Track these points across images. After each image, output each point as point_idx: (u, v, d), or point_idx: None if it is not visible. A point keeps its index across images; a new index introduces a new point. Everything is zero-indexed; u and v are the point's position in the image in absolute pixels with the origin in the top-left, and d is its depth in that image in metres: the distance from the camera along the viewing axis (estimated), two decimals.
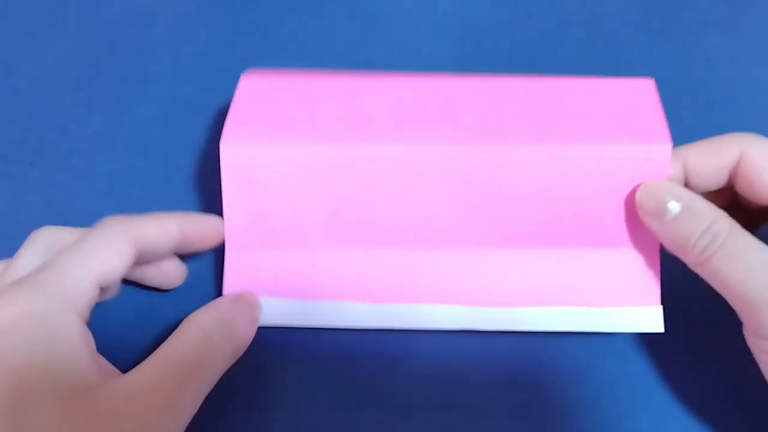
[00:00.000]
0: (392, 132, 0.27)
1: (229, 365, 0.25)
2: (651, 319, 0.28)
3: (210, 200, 0.32)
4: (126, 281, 0.29)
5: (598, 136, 0.27)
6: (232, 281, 0.28)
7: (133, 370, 0.23)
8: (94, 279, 0.24)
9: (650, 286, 0.28)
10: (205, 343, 0.24)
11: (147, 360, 0.23)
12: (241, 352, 0.26)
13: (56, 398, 0.21)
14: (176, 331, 0.24)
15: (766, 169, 0.26)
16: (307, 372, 0.28)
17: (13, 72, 0.36)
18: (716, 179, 0.27)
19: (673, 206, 0.25)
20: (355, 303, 0.28)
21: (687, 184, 0.28)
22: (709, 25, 0.39)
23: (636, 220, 0.27)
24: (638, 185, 0.27)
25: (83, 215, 0.32)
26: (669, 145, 0.27)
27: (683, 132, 0.28)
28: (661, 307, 0.28)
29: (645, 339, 0.29)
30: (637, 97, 0.29)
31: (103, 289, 0.25)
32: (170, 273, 0.29)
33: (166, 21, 0.39)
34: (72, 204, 0.32)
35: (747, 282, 0.24)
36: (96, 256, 0.24)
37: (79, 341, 0.22)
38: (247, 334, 0.26)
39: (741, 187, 0.27)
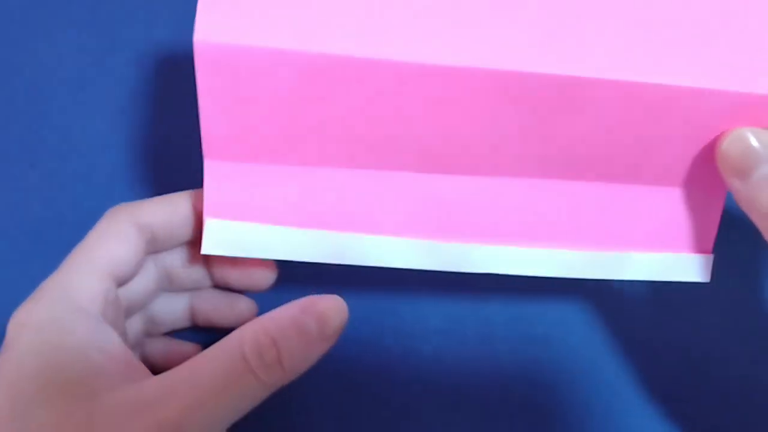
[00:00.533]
0: (420, 41, 0.22)
1: (260, 399, 0.21)
2: (698, 267, 0.26)
3: None
4: (215, 285, 0.28)
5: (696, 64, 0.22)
6: (213, 199, 0.24)
7: (154, 377, 0.21)
8: (101, 273, 0.23)
9: (705, 232, 0.25)
10: (238, 366, 0.21)
11: (175, 369, 0.21)
12: (279, 386, 0.22)
13: (51, 407, 0.20)
14: (223, 339, 0.21)
15: None
16: (307, 372, 0.28)
17: (13, 72, 0.36)
18: None
19: (764, 163, 0.21)
20: (358, 234, 0.24)
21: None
22: None
23: (708, 163, 0.24)
24: (724, 131, 0.23)
25: (83, 215, 0.32)
26: None
27: None
28: (711, 257, 0.26)
29: (645, 339, 0.29)
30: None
31: (119, 280, 0.24)
32: (254, 273, 0.27)
33: (167, 21, 0.39)
34: (72, 204, 0.32)
35: None
36: (100, 248, 0.23)
37: (86, 342, 0.21)
38: (294, 369, 0.21)
39: None
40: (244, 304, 0.28)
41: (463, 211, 0.25)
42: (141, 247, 0.24)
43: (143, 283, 0.26)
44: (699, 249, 0.26)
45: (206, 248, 0.24)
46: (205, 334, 0.29)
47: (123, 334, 0.24)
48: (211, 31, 0.21)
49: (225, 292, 0.28)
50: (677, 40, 0.23)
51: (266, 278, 0.27)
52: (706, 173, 0.24)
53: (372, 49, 0.22)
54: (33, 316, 0.21)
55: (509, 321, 0.29)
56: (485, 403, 0.27)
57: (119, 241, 0.23)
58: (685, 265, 0.25)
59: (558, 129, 0.23)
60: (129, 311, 0.26)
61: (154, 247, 0.25)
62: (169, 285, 0.27)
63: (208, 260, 0.27)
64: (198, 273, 0.27)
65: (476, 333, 0.28)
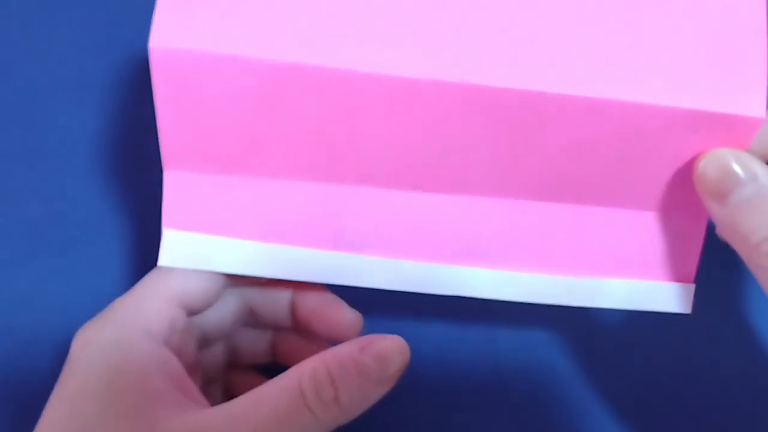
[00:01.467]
0: (384, 51, 0.21)
1: None
2: (678, 297, 0.24)
3: None
4: (297, 328, 0.27)
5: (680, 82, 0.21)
6: (173, 211, 0.23)
7: (213, 408, 0.21)
8: (171, 300, 0.23)
9: (686, 259, 0.24)
10: (295, 402, 0.20)
11: (234, 400, 0.21)
12: (336, 425, 0.21)
13: (110, 430, 0.20)
14: (283, 374, 0.21)
15: None
16: None
17: (13, 72, 0.36)
18: None
19: (743, 185, 0.20)
20: (320, 251, 0.23)
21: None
22: None
23: (687, 186, 0.23)
24: (702, 151, 0.22)
25: (83, 215, 0.32)
26: (763, 109, 0.21)
27: None
28: (692, 286, 0.24)
29: (645, 341, 0.29)
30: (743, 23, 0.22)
31: (190, 308, 0.24)
32: (338, 323, 0.25)
33: None
34: (72, 204, 0.32)
35: None
36: (174, 275, 0.23)
37: (147, 367, 0.21)
38: (352, 409, 0.21)
39: None
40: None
41: (431, 229, 0.24)
42: (217, 278, 0.24)
43: (222, 314, 0.26)
44: (680, 277, 0.24)
45: (163, 260, 0.23)
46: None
47: (191, 363, 0.24)
48: (168, 37, 0.21)
49: (307, 338, 0.27)
50: (653, 57, 0.22)
51: (351, 328, 0.26)
52: (685, 197, 0.23)
53: (333, 59, 0.21)
54: (99, 336, 0.22)
55: (511, 322, 0.29)
56: (485, 403, 0.27)
57: (192, 273, 0.23)
58: (665, 295, 0.24)
59: (528, 147, 0.22)
60: (207, 340, 0.26)
61: (234, 279, 0.25)
62: (251, 320, 0.27)
63: (294, 303, 0.26)
64: (281, 312, 0.26)
65: (477, 333, 0.28)
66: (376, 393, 0.21)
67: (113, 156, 0.34)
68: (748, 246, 0.20)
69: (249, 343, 0.27)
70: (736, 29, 0.22)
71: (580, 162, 0.23)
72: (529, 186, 0.23)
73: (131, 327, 0.22)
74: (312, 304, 0.26)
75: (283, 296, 0.26)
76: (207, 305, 0.25)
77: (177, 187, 0.23)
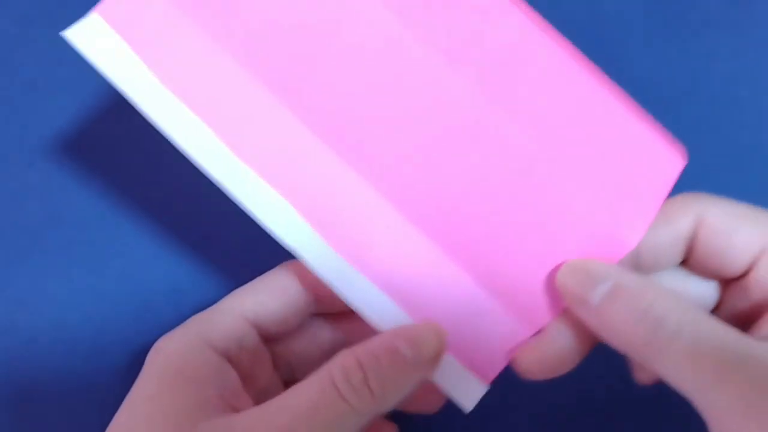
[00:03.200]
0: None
1: (356, 427, 0.21)
2: (469, 391, 0.23)
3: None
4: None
5: (579, 176, 0.23)
6: (117, 6, 0.23)
7: (253, 407, 0.21)
8: (242, 318, 0.24)
9: (490, 360, 0.23)
10: (327, 392, 0.20)
11: (272, 399, 0.21)
12: (375, 414, 0.21)
13: (154, 430, 0.21)
14: (318, 370, 0.21)
15: (731, 233, 0.22)
16: None
17: (12, 72, 0.36)
18: (673, 253, 0.24)
19: (599, 286, 0.21)
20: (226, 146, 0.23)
21: (641, 266, 0.24)
22: (710, 24, 0.38)
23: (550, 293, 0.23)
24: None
25: (83, 215, 0.32)
26: (636, 238, 0.23)
27: (686, 132, 0.28)
28: (486, 388, 0.23)
29: None
30: (653, 166, 0.24)
31: (264, 330, 0.24)
32: (421, 398, 0.24)
33: None
34: (72, 204, 0.32)
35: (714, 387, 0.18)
36: (251, 295, 0.24)
37: (201, 375, 0.22)
38: (386, 394, 0.21)
39: (700, 258, 0.23)
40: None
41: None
42: (296, 305, 0.24)
43: (309, 345, 0.26)
44: (481, 372, 0.23)
45: (70, 33, 0.24)
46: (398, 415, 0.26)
47: (261, 386, 0.25)
48: None
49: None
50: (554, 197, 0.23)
51: (432, 405, 0.25)
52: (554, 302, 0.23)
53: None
54: (168, 345, 0.23)
55: None
56: (486, 403, 0.27)
57: (271, 293, 0.24)
58: (457, 380, 0.23)
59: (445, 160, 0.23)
60: (298, 370, 0.26)
61: (320, 308, 0.25)
62: None
63: None
64: None
65: None
66: (411, 377, 0.21)
67: (113, 156, 0.34)
68: (624, 340, 0.21)
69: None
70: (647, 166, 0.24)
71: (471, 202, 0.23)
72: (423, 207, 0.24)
73: (197, 338, 0.23)
74: None
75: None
76: (283, 328, 0.25)
77: None
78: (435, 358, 0.21)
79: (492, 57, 0.24)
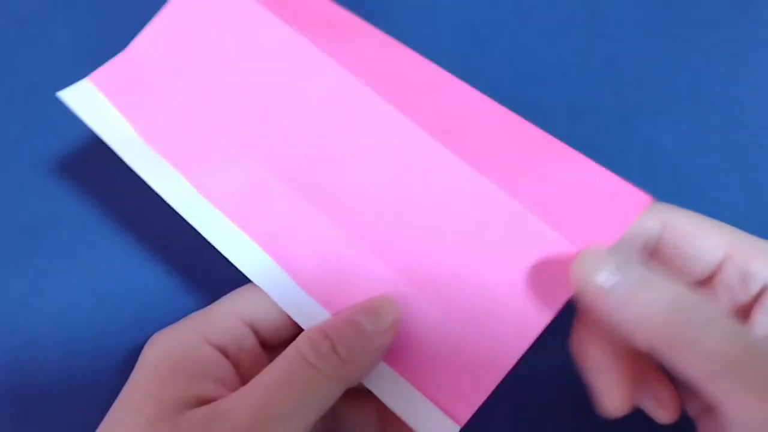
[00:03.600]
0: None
1: (330, 393, 0.22)
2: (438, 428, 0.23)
3: None
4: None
5: (541, 200, 0.24)
6: (110, 74, 0.28)
7: (229, 396, 0.22)
8: (237, 316, 0.24)
9: (465, 401, 0.23)
10: (296, 362, 0.21)
11: (247, 384, 0.22)
12: (346, 380, 0.22)
13: (144, 416, 0.22)
14: (283, 352, 0.22)
15: (696, 236, 0.23)
16: None
17: (13, 72, 0.36)
18: (636, 248, 0.24)
19: (627, 274, 0.21)
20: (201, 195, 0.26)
21: None
22: (710, 24, 0.38)
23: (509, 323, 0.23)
24: (538, 263, 0.23)
25: (83, 215, 0.32)
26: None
27: (684, 132, 0.28)
28: (457, 428, 0.23)
29: None
30: (618, 201, 0.24)
31: (259, 329, 0.25)
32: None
33: None
34: (72, 204, 0.32)
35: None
36: (245, 298, 0.25)
37: (197, 367, 0.23)
38: (354, 360, 0.22)
39: (665, 260, 0.24)
40: None
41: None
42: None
43: None
44: (453, 413, 0.23)
45: (64, 93, 0.28)
46: None
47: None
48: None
49: None
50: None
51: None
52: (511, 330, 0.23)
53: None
54: (162, 339, 0.24)
55: None
56: (486, 403, 0.27)
57: (266, 295, 0.25)
58: (432, 422, 0.23)
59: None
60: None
61: None
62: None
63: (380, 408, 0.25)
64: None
65: None
66: (374, 344, 0.22)
67: (114, 156, 0.34)
68: (642, 330, 0.20)
69: (353, 412, 0.27)
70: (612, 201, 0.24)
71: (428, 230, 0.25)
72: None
73: (194, 333, 0.24)
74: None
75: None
76: (280, 333, 0.25)
77: (132, 62, 0.28)
78: (393, 326, 0.23)
79: (442, 110, 0.26)
